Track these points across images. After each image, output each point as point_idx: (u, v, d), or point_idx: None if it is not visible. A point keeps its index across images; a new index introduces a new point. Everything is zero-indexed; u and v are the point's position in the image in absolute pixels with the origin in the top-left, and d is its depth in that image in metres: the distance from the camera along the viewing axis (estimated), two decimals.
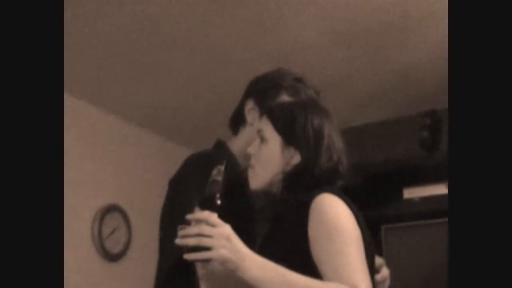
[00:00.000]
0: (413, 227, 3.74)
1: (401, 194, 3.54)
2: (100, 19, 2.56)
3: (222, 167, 1.47)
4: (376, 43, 2.82)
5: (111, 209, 3.43)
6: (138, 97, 3.38)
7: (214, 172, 1.47)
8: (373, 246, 1.52)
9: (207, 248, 1.32)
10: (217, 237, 1.32)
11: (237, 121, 1.77)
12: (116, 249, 3.43)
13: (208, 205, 1.41)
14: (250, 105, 1.73)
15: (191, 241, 1.33)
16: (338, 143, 1.56)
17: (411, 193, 3.54)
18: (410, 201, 3.53)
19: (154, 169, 3.81)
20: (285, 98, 1.69)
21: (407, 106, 3.52)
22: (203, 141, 3.44)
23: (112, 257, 3.40)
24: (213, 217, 1.36)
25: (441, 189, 3.42)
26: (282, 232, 1.50)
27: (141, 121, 3.70)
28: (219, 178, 1.45)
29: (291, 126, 1.54)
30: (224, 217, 1.40)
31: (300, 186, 1.50)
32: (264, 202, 1.59)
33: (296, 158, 1.53)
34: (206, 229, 1.33)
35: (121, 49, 2.83)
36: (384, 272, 1.68)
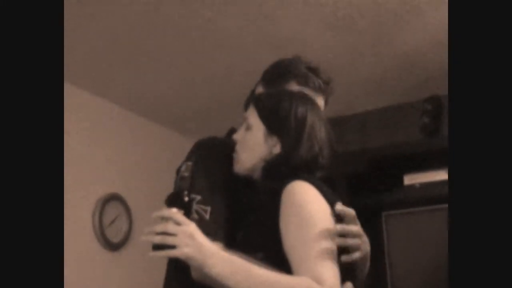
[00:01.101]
0: (414, 214, 3.73)
1: (401, 181, 3.53)
2: (101, 7, 2.54)
3: (191, 163, 1.49)
4: (377, 29, 2.80)
5: (112, 198, 3.42)
6: (138, 86, 3.36)
7: (183, 168, 1.49)
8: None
9: (172, 246, 1.36)
10: (181, 235, 1.37)
11: (249, 105, 1.78)
12: (117, 238, 3.43)
13: (175, 202, 1.44)
14: (260, 89, 1.75)
15: (156, 239, 1.39)
16: (321, 134, 1.57)
17: (412, 179, 3.53)
18: (411, 187, 3.52)
19: (154, 158, 3.80)
20: (294, 86, 1.69)
21: (408, 92, 3.50)
22: (204, 130, 3.44)
23: (113, 246, 3.40)
24: (178, 215, 1.41)
25: (442, 175, 3.41)
26: (258, 221, 1.51)
27: (141, 110, 3.70)
28: (187, 174, 1.48)
29: (274, 114, 1.57)
30: (189, 214, 1.43)
31: (278, 175, 1.52)
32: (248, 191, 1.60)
33: (278, 148, 1.54)
34: (170, 227, 1.38)
35: (122, 38, 2.82)
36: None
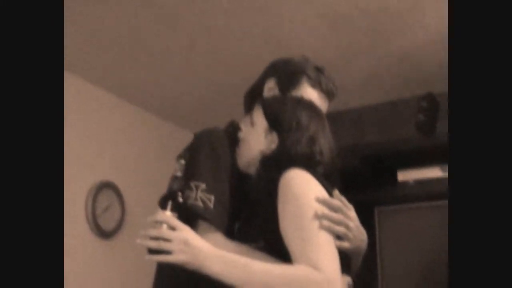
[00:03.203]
0: (406, 210, 3.75)
1: (395, 177, 3.55)
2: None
3: (183, 162, 1.49)
4: (374, 26, 2.80)
5: (105, 186, 3.43)
6: (136, 77, 3.36)
7: (176, 167, 1.50)
8: None
9: (168, 251, 1.40)
10: (176, 241, 1.40)
11: (253, 98, 1.78)
12: (109, 227, 3.44)
13: (169, 203, 1.44)
14: (271, 84, 1.76)
15: (151, 244, 1.42)
16: (325, 142, 1.59)
17: (405, 175, 3.55)
18: (404, 183, 3.54)
19: (147, 147, 3.81)
20: (306, 86, 1.72)
21: (404, 89, 3.51)
22: (198, 121, 3.43)
23: (105, 234, 3.40)
24: (172, 219, 1.43)
25: (435, 172, 3.44)
26: (256, 211, 1.53)
27: (136, 100, 3.69)
28: (180, 174, 1.48)
29: (278, 114, 1.60)
30: (183, 215, 1.45)
31: (274, 166, 1.54)
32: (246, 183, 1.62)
33: (275, 143, 1.55)
34: (165, 233, 1.41)
35: (124, 31, 2.82)
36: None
